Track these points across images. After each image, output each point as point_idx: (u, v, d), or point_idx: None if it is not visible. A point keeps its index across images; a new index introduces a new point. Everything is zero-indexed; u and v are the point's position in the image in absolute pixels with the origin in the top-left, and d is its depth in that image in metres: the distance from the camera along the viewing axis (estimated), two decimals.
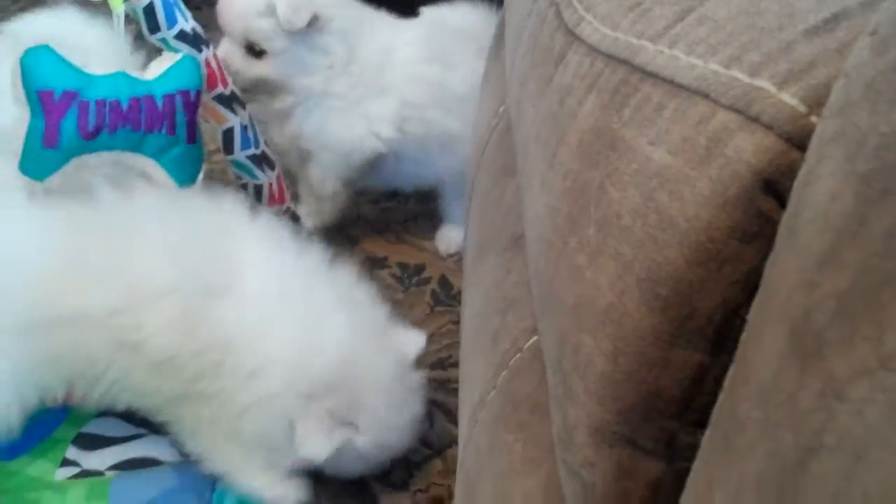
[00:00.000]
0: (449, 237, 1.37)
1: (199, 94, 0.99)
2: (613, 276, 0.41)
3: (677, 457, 0.43)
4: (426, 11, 1.30)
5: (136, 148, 0.96)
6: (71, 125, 0.92)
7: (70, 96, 0.92)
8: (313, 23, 1.15)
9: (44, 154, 0.93)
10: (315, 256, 0.97)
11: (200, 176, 1.02)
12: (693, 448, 0.41)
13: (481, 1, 1.31)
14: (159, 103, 0.95)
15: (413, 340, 1.00)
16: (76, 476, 0.94)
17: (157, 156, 0.97)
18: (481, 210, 0.88)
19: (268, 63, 1.15)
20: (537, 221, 0.51)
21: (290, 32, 1.14)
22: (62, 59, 0.93)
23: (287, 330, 0.90)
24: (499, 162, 0.86)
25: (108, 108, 0.93)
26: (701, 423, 0.40)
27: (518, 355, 0.66)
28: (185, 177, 1.00)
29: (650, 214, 0.39)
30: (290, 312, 0.91)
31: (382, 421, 0.93)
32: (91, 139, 0.94)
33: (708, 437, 0.38)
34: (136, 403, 0.93)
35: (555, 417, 0.50)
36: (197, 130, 0.99)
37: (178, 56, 0.99)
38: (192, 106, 0.98)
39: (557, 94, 0.50)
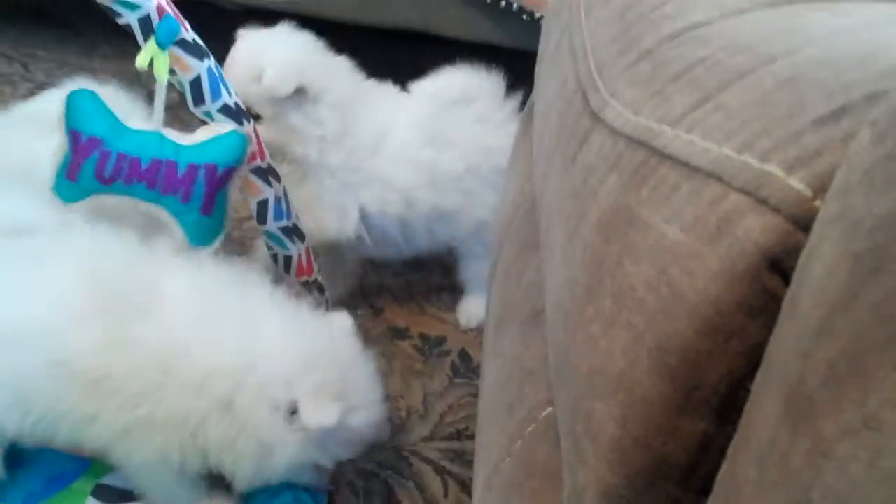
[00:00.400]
0: (469, 310, 1.39)
1: (230, 170, 1.00)
2: (626, 345, 0.44)
3: None
4: (424, 84, 1.30)
5: (154, 201, 0.99)
6: (90, 168, 0.98)
7: (95, 142, 0.97)
8: (301, 92, 1.18)
9: (66, 183, 1.00)
10: (231, 270, 0.98)
11: (217, 242, 1.03)
12: None
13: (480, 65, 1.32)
14: (180, 171, 0.98)
15: (341, 318, 1.01)
16: None
17: (174, 215, 1.00)
18: (503, 284, 0.90)
19: (264, 127, 1.18)
20: (557, 292, 0.54)
21: (278, 99, 1.18)
22: (101, 107, 0.98)
23: (221, 336, 0.90)
24: (523, 238, 0.89)
25: (126, 163, 0.97)
26: (704, 491, 0.42)
27: (533, 425, 0.68)
28: (200, 240, 1.02)
29: (662, 288, 0.41)
30: (219, 321, 0.92)
31: (367, 395, 0.95)
32: (107, 185, 0.98)
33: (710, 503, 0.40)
34: (77, 438, 0.91)
35: (566, 481, 0.52)
36: (218, 202, 1.00)
37: (226, 129, 1.01)
38: (216, 180, 1.00)
39: (581, 173, 0.53)
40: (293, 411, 0.88)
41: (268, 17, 1.25)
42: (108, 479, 1.02)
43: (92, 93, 0.98)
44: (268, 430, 0.89)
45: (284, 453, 0.90)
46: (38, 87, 1.27)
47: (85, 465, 1.02)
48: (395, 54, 1.35)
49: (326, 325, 0.99)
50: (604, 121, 0.52)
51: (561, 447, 0.55)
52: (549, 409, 0.66)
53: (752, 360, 0.39)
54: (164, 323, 0.89)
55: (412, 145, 1.27)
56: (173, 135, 1.00)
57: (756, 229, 0.38)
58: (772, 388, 0.33)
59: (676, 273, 0.40)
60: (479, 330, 1.35)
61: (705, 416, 0.41)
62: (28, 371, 0.87)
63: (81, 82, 1.06)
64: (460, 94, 1.30)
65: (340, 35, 1.31)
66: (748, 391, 0.39)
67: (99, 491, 1.01)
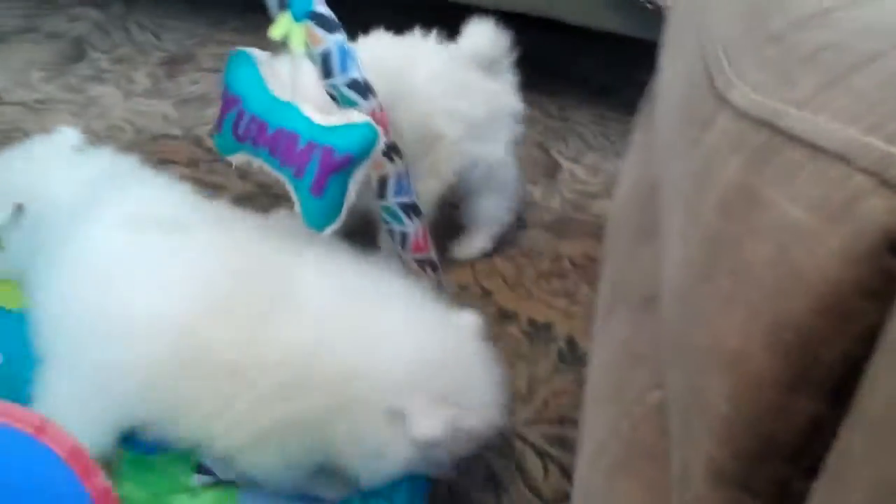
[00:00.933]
0: (471, 244, 1.48)
1: (349, 157, 0.99)
2: (741, 322, 0.44)
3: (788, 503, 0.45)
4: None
5: (276, 169, 1.02)
6: (229, 123, 1.03)
7: (234, 100, 1.02)
8: None
9: (220, 135, 1.06)
10: (367, 265, 0.99)
11: (328, 230, 1.01)
12: (803, 497, 0.43)
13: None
14: (299, 146, 0.99)
15: (468, 318, 1.01)
16: (209, 484, 1.00)
17: (294, 189, 1.01)
18: (616, 269, 0.91)
19: None
20: (674, 271, 0.54)
21: None
22: (252, 68, 1.01)
23: (357, 332, 0.90)
24: (637, 226, 0.89)
25: (256, 126, 1.00)
26: (814, 470, 0.42)
27: (641, 407, 0.69)
28: (312, 221, 1.01)
29: (782, 266, 0.42)
30: (355, 317, 0.92)
31: (484, 397, 0.94)
32: (241, 143, 1.03)
33: (820, 481, 0.40)
34: (202, 436, 0.90)
35: (674, 459, 0.53)
36: (329, 187, 0.99)
37: (362, 119, 1.01)
38: (330, 163, 0.99)
39: (703, 154, 0.53)
40: (403, 418, 0.88)
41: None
42: None
43: (249, 55, 1.02)
44: (383, 433, 0.88)
45: (398, 456, 0.90)
46: (170, 57, 1.33)
47: None
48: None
49: (454, 325, 0.98)
50: (729, 102, 0.52)
51: (670, 428, 0.56)
52: (658, 393, 0.67)
53: (869, 342, 0.39)
54: (303, 318, 0.90)
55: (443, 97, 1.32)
56: (310, 111, 1.02)
57: (879, 210, 0.38)
58: (889, 366, 0.33)
59: (797, 252, 0.41)
60: (588, 318, 1.35)
61: (818, 397, 0.42)
62: (163, 363, 0.87)
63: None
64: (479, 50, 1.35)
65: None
66: (862, 372, 0.39)
67: None
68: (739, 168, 0.47)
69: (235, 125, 1.02)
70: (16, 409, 0.67)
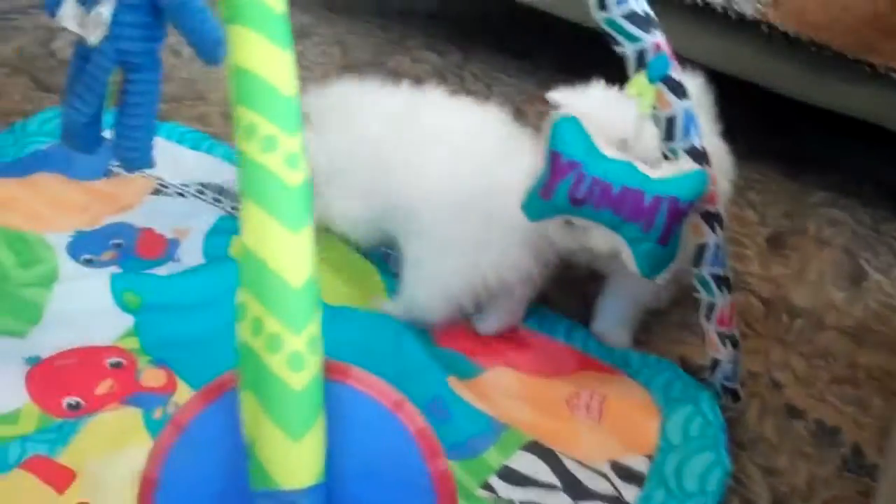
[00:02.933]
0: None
1: (690, 205, 1.06)
2: None
3: None
4: None
5: (614, 227, 1.05)
6: (565, 188, 1.05)
7: (573, 165, 1.04)
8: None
9: (538, 201, 1.08)
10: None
11: (666, 273, 1.09)
12: None
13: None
14: (646, 200, 1.03)
15: None
16: (491, 501, 1.04)
17: (629, 242, 1.06)
18: None
19: None
20: None
21: None
22: (583, 133, 1.05)
23: None
24: None
25: (599, 188, 1.04)
26: None
27: None
28: (649, 269, 1.07)
29: None
30: None
31: None
32: (577, 206, 1.05)
33: None
34: None
35: None
36: (674, 235, 1.06)
37: (691, 168, 1.06)
38: (676, 213, 1.04)
39: None
40: None
41: None
42: (514, 462, 1.09)
43: (577, 120, 1.06)
44: None
45: None
46: (498, 108, 1.42)
47: (496, 434, 1.12)
48: None
49: None
50: None
51: None
52: None
53: None
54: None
55: None
56: (641, 166, 1.06)
57: None
58: None
59: None
60: (880, 431, 1.30)
61: None
62: None
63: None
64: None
65: None
66: None
67: (505, 471, 1.08)
68: None
69: (573, 190, 1.05)
70: (380, 382, 0.72)
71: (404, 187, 1.24)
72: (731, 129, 1.36)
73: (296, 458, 0.67)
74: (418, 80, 1.39)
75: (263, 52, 0.73)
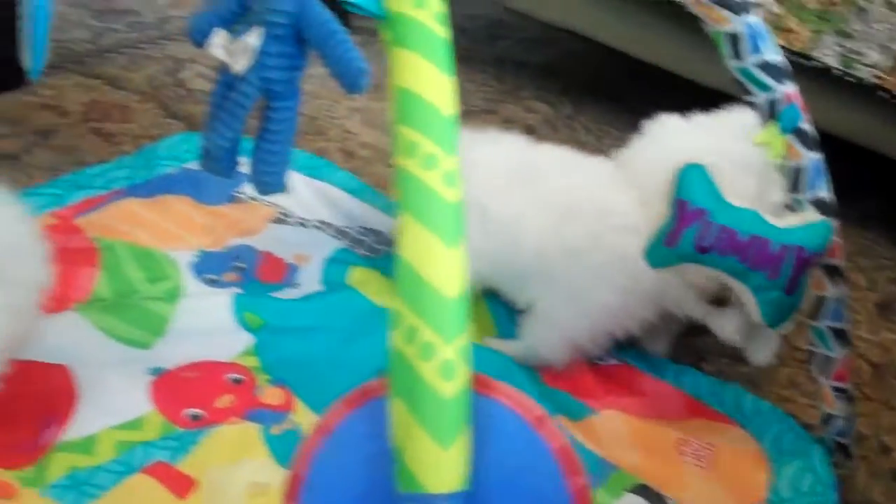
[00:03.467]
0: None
1: (815, 255, 1.07)
2: None
3: None
4: None
5: (738, 276, 1.07)
6: (691, 236, 1.07)
7: (699, 213, 1.07)
8: None
9: (662, 249, 1.11)
10: None
11: (790, 322, 1.10)
12: None
13: None
14: (773, 249, 1.05)
15: None
16: None
17: (755, 290, 1.07)
18: None
19: None
20: None
21: None
22: (709, 182, 1.07)
23: None
24: None
25: (725, 235, 1.06)
26: None
27: None
28: (773, 318, 1.09)
29: None
30: None
31: None
32: (702, 254, 1.07)
33: None
34: None
35: None
36: (800, 285, 1.07)
37: (817, 218, 1.08)
38: (802, 263, 1.06)
39: None
40: None
41: None
42: None
43: (703, 168, 1.08)
44: None
45: None
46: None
47: (605, 475, 1.14)
48: None
49: None
50: None
51: None
52: None
53: None
54: None
55: None
56: (767, 216, 1.07)
57: None
58: None
59: None
60: None
61: None
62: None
63: None
64: None
65: None
66: None
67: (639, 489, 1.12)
68: None
69: (699, 238, 1.07)
70: (524, 397, 0.74)
71: (520, 242, 1.27)
72: (843, 194, 1.36)
73: (444, 464, 0.68)
74: (529, 130, 1.42)
75: (426, 75, 0.76)
